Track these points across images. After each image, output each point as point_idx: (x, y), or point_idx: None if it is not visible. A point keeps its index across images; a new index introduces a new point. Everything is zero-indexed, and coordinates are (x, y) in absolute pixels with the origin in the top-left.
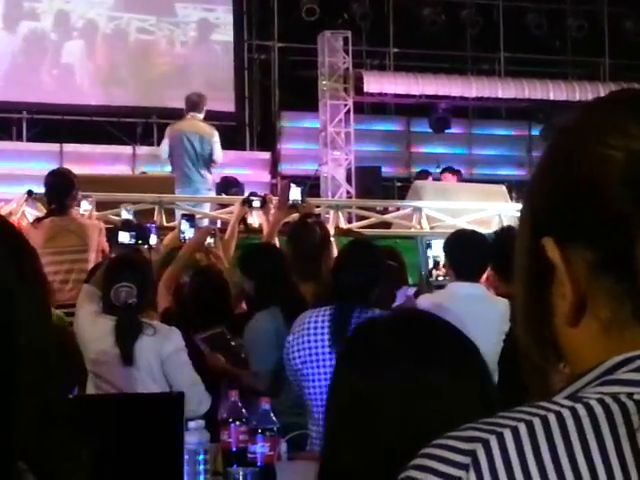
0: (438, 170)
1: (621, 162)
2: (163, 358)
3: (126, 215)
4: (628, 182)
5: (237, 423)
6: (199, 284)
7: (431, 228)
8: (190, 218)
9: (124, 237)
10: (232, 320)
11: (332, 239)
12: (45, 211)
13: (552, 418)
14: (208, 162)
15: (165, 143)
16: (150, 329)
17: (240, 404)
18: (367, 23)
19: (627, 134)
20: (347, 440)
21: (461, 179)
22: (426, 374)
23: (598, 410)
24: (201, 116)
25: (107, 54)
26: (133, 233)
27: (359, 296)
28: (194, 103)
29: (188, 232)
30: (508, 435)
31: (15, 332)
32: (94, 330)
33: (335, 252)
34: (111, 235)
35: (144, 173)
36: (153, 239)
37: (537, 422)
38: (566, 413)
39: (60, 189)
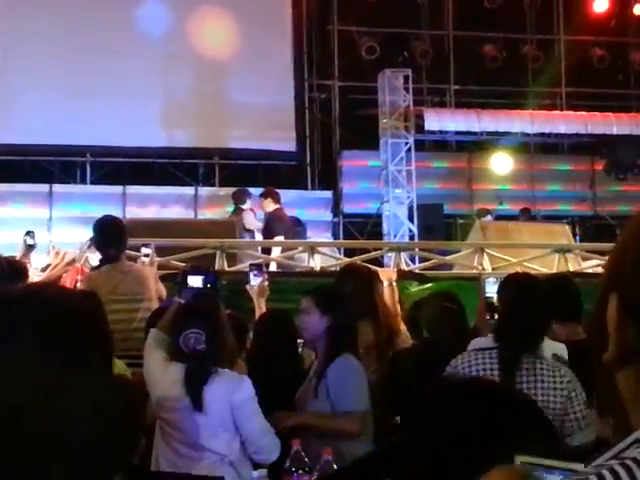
0: (501, 206)
1: None
2: (234, 406)
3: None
4: None
5: (300, 472)
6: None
7: (493, 269)
8: (258, 267)
9: (194, 281)
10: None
11: (394, 283)
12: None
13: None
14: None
15: None
16: (220, 376)
17: (303, 453)
18: (427, 60)
19: None
20: None
21: (529, 217)
22: None
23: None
24: (244, 207)
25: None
26: (202, 277)
27: (528, 342)
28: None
29: (253, 281)
30: None
31: None
32: (164, 377)
33: (389, 294)
34: (180, 279)
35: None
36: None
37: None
38: (606, 474)
39: (114, 237)
